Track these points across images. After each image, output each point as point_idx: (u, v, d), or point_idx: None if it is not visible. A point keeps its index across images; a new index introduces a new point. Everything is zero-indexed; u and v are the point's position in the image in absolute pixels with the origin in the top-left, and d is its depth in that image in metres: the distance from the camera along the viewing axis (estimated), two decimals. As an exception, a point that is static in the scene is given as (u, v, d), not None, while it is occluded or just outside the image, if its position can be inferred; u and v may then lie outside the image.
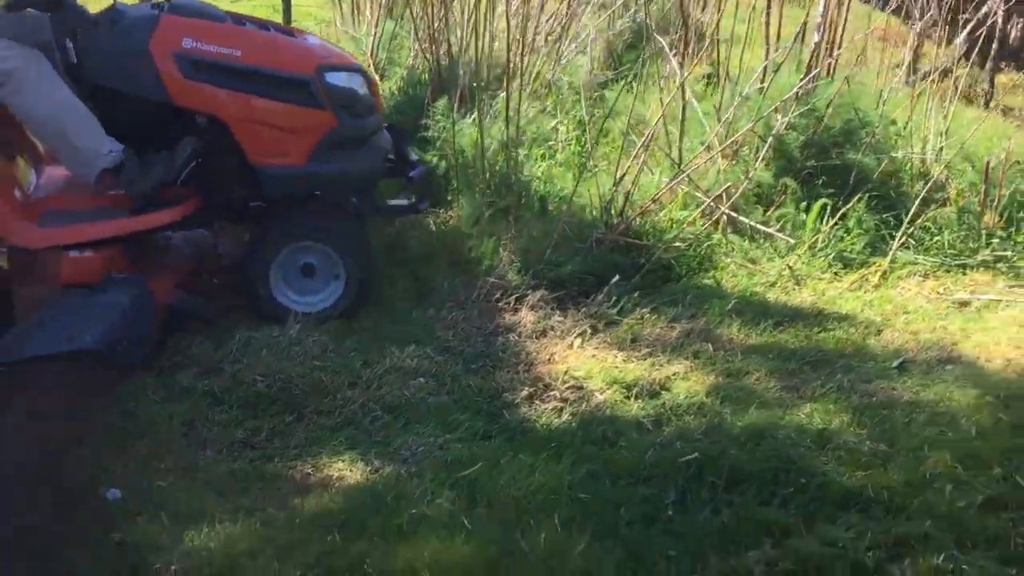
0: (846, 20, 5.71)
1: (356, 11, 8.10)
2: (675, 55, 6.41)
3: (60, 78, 3.69)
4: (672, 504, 2.91)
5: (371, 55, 6.99)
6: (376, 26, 7.15)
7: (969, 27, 10.88)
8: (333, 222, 4.11)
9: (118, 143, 3.78)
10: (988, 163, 4.73)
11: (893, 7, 7.45)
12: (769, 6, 5.58)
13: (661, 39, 6.20)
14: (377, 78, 4.46)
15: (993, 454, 3.10)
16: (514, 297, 4.22)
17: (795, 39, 5.48)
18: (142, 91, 3.76)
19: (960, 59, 12.37)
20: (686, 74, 5.34)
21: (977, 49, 11.74)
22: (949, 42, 12.07)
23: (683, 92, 5.24)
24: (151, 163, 3.81)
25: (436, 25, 5.74)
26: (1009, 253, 4.60)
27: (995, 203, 4.73)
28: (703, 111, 5.49)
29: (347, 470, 3.08)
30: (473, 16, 5.59)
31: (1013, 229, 4.72)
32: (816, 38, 5.44)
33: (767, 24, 5.63)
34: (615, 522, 2.82)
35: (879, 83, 5.71)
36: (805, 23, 5.57)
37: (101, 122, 3.75)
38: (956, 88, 12.19)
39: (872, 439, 3.20)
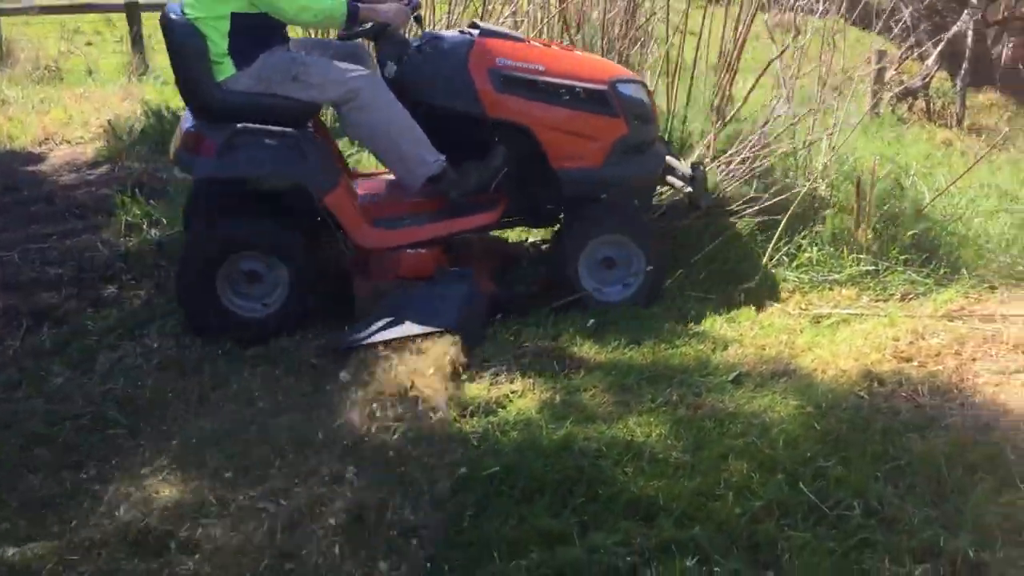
0: (742, 46, 5.81)
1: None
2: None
3: (393, 97, 4.19)
4: (470, 516, 3.02)
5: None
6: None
7: (940, 46, 11.03)
8: (633, 219, 4.55)
9: (440, 153, 4.30)
10: (859, 180, 4.82)
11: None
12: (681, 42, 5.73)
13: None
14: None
15: (790, 463, 3.19)
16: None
17: (693, 66, 5.62)
18: (460, 105, 4.32)
19: (930, 78, 12.46)
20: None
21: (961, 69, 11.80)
22: (923, 60, 12.18)
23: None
24: (468, 170, 4.37)
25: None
26: (878, 267, 4.67)
27: (868, 219, 4.81)
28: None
29: (164, 489, 3.19)
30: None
31: (886, 243, 4.80)
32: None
33: (666, 57, 5.80)
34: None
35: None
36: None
37: None
38: (929, 108, 12.23)
39: (680, 450, 3.30)
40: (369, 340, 3.93)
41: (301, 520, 2.96)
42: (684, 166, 4.79)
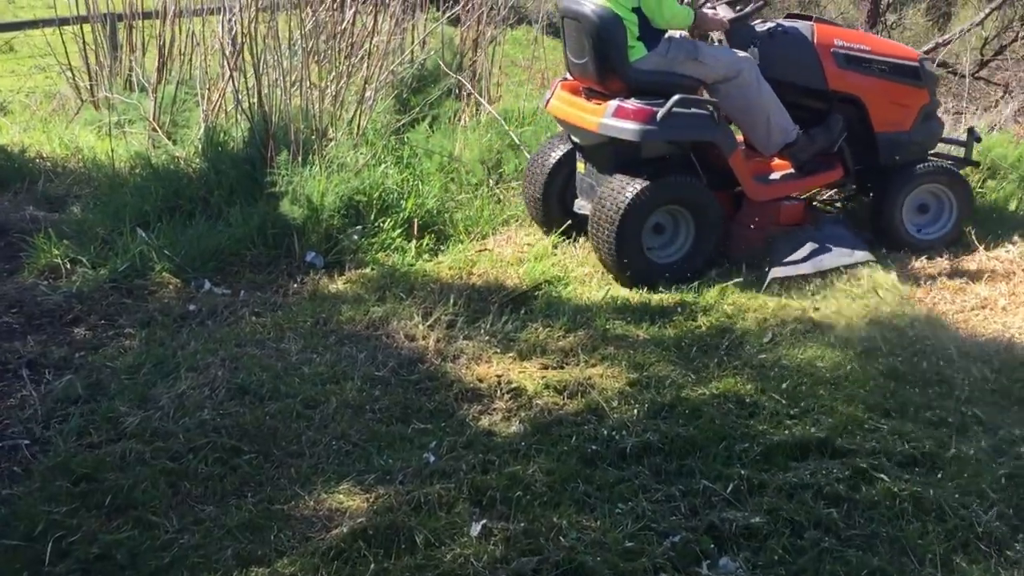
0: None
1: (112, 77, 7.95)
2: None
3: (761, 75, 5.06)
4: (647, 475, 3.30)
5: (154, 119, 6.93)
6: (155, 92, 7.09)
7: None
8: (947, 171, 5.45)
9: (794, 123, 5.17)
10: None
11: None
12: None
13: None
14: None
15: (877, 397, 3.76)
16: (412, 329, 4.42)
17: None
18: (807, 81, 5.25)
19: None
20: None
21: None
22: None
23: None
24: (813, 136, 5.19)
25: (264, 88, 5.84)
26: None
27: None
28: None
29: (348, 500, 3.20)
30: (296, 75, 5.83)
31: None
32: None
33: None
34: (615, 491, 3.21)
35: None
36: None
37: None
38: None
39: (784, 402, 3.75)
40: (799, 272, 4.84)
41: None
42: None
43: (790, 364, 4.06)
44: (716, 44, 5.30)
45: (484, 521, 3.02)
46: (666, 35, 5.00)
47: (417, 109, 7.00)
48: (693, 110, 4.90)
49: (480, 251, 5.33)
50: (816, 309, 4.54)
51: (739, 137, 5.30)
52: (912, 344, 4.16)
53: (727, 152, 5.00)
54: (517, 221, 5.76)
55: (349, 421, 3.65)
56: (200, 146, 6.31)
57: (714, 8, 5.23)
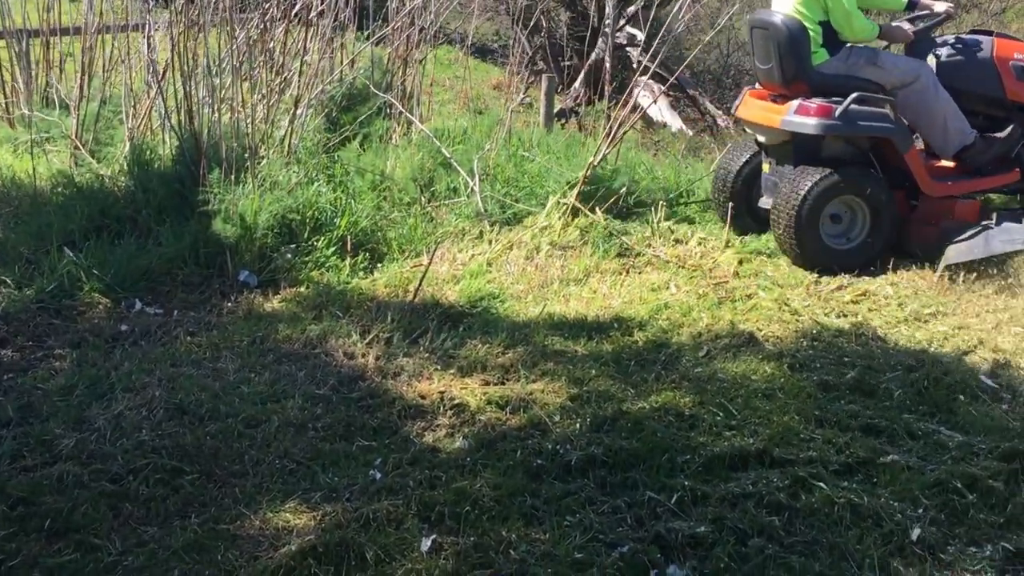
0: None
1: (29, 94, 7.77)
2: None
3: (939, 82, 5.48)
4: (593, 488, 3.34)
5: (76, 136, 6.80)
6: (77, 109, 6.95)
7: (583, 73, 12.46)
8: None
9: (971, 128, 5.55)
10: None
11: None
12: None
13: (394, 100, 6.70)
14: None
15: (810, 409, 3.86)
16: (350, 347, 4.41)
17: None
18: (984, 90, 5.62)
19: (580, 100, 13.94)
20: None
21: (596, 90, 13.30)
22: (568, 86, 13.56)
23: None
24: (991, 142, 5.59)
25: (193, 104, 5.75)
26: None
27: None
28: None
29: (295, 519, 3.17)
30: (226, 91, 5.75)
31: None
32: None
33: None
34: (563, 504, 3.23)
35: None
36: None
37: None
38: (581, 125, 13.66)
39: (722, 414, 3.83)
40: (972, 255, 5.11)
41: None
42: None
43: (725, 377, 4.15)
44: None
45: (434, 536, 3.03)
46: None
47: (348, 128, 7.00)
48: (871, 108, 5.32)
49: (415, 267, 5.34)
50: None
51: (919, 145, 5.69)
52: None
53: (903, 149, 5.37)
54: (451, 238, 5.78)
55: (292, 439, 3.62)
56: (126, 164, 6.20)
57: (899, 23, 5.75)
